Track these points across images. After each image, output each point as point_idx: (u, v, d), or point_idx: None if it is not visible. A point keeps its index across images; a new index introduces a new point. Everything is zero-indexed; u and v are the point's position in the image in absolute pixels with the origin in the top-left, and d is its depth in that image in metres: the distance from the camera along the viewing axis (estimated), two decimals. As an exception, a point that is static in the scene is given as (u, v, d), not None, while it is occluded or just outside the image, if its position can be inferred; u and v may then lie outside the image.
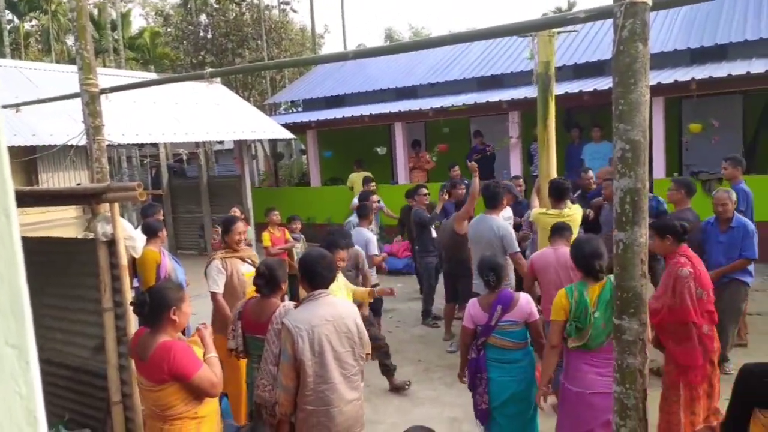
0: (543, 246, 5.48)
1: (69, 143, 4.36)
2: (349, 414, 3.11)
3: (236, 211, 7.42)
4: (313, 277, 3.14)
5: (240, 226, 4.55)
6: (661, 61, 10.18)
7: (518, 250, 5.38)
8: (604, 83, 9.35)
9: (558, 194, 5.28)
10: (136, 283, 4.73)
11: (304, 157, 16.64)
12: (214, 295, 4.42)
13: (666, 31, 11.22)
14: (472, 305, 3.75)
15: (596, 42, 11.78)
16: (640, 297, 2.40)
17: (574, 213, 5.24)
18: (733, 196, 5.19)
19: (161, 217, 6.32)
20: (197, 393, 2.77)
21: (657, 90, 8.31)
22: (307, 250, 3.92)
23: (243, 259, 4.59)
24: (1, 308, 0.45)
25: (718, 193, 5.23)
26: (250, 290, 4.17)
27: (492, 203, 5.52)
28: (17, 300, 0.46)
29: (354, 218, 6.76)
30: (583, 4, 34.25)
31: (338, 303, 3.22)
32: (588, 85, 9.80)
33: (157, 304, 2.78)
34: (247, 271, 4.46)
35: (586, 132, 10.30)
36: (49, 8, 25.23)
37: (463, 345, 3.84)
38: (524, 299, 3.70)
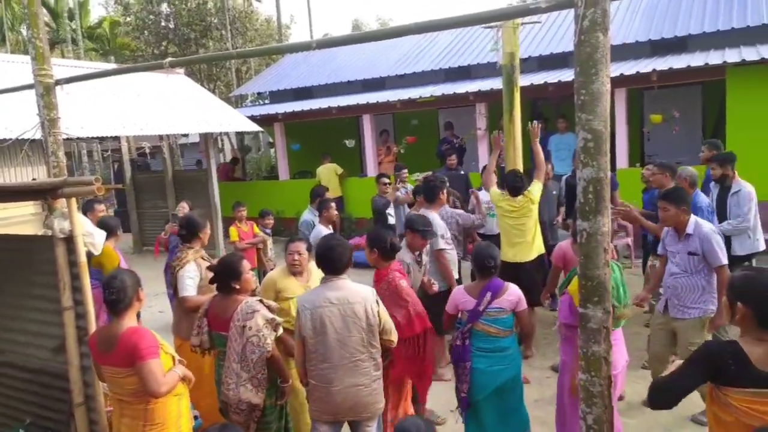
0: (503, 227, 5.64)
1: (23, 137, 4.19)
2: (350, 396, 3.14)
3: (185, 207, 7.31)
4: (325, 263, 3.25)
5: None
6: (623, 52, 10.37)
7: (442, 247, 5.10)
8: (568, 75, 9.47)
9: (514, 192, 5.52)
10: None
11: (272, 150, 16.47)
12: (184, 299, 4.02)
13: (627, 22, 11.42)
14: (458, 292, 3.77)
15: (560, 34, 11.92)
16: (604, 285, 2.44)
17: (528, 200, 5.51)
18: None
19: (102, 213, 6.09)
20: (143, 381, 2.78)
21: (619, 81, 8.46)
22: (325, 236, 3.85)
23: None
24: None
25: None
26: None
27: (429, 198, 5.36)
28: None
29: (310, 215, 6.31)
30: (548, -4, 34.69)
31: (349, 288, 3.21)
32: (552, 76, 9.91)
33: (125, 291, 2.88)
34: None
35: (552, 123, 10.44)
36: (2, -3, 24.25)
37: (445, 326, 3.88)
38: (514, 288, 3.73)
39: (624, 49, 10.43)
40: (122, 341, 2.80)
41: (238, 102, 18.04)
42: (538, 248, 5.68)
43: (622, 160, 9.40)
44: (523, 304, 3.72)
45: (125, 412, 2.90)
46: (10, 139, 5.30)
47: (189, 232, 4.28)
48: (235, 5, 20.91)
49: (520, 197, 5.49)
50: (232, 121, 11.76)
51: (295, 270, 4.01)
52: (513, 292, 3.70)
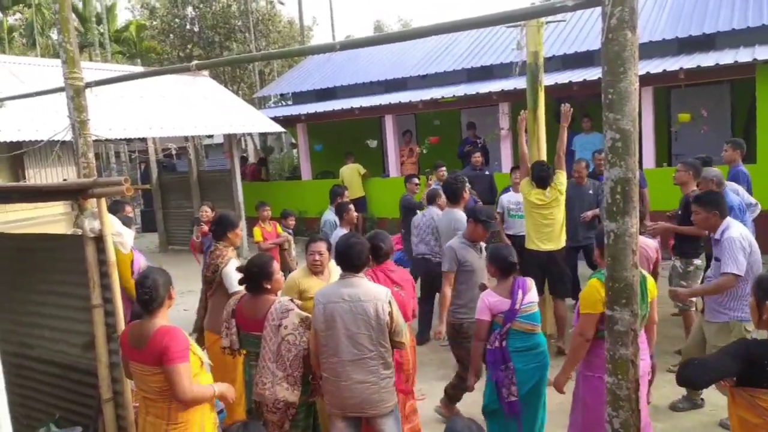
0: (531, 220, 5.63)
1: (54, 138, 4.29)
2: (357, 392, 3.18)
3: (206, 211, 7.39)
4: (343, 261, 3.31)
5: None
6: (650, 50, 10.20)
7: None
8: (593, 73, 9.35)
9: (541, 182, 5.51)
10: None
11: (295, 150, 16.58)
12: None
13: (654, 20, 11.23)
14: (489, 295, 3.74)
15: (585, 32, 11.78)
16: (632, 287, 2.41)
17: (556, 191, 5.54)
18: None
19: (130, 214, 6.23)
20: (171, 384, 2.79)
21: (646, 80, 8.33)
22: (345, 234, 3.93)
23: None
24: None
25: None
26: None
27: (454, 199, 5.55)
28: None
29: (332, 215, 6.36)
30: (572, -5, 34.27)
31: (363, 286, 3.25)
32: (577, 75, 9.80)
33: (156, 289, 2.90)
34: None
35: (576, 123, 10.31)
36: (32, 2, 24.86)
37: (478, 341, 3.77)
38: (531, 281, 3.80)
39: (650, 47, 10.26)
40: (154, 340, 2.82)
41: (261, 103, 18.21)
42: (564, 239, 5.73)
43: (649, 160, 9.25)
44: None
45: (150, 410, 2.94)
46: (42, 141, 5.42)
47: (219, 229, 4.31)
48: (259, 8, 21.10)
49: (548, 189, 5.51)
50: (256, 122, 11.88)
51: (316, 270, 4.03)
52: (533, 285, 3.79)
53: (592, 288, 3.23)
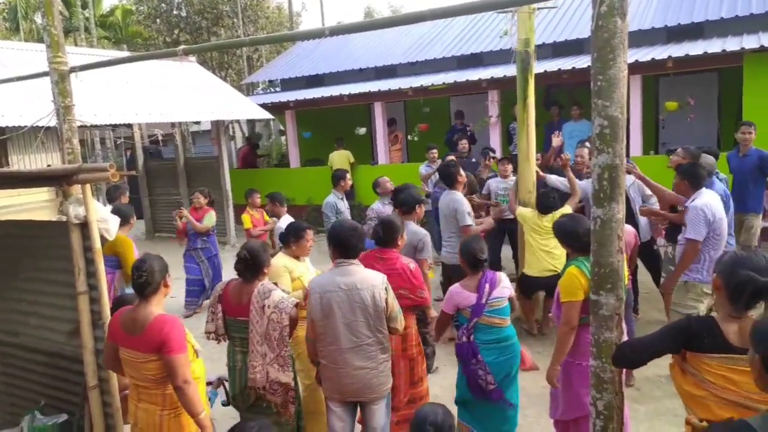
0: (529, 242, 5.70)
1: (38, 124, 4.22)
2: (357, 378, 3.21)
3: (199, 197, 7.36)
4: (339, 246, 3.29)
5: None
6: (639, 39, 10.22)
7: (469, 223, 5.44)
8: (583, 61, 9.36)
9: (544, 209, 5.60)
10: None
11: (283, 137, 16.47)
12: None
13: (643, 8, 11.24)
14: (455, 290, 3.74)
15: (575, 20, 11.77)
16: (617, 273, 2.43)
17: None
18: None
19: (126, 200, 6.23)
20: (170, 372, 2.79)
21: (634, 68, 8.34)
22: (341, 221, 3.98)
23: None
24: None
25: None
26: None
27: (449, 183, 5.69)
28: None
29: (333, 198, 6.55)
30: (562, -18, 34.11)
31: (358, 273, 3.24)
32: (567, 63, 9.80)
33: (152, 275, 2.88)
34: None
35: (566, 110, 10.34)
36: (15, -15, 24.37)
37: (439, 332, 3.92)
38: (503, 275, 3.81)
39: (639, 35, 10.27)
40: (152, 328, 2.80)
41: (249, 90, 18.02)
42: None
43: (636, 148, 9.30)
44: (512, 290, 3.82)
45: (142, 397, 2.93)
46: (26, 126, 5.34)
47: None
48: (247, -8, 20.82)
49: (549, 216, 5.50)
50: (244, 108, 11.78)
51: (308, 254, 4.16)
52: (506, 280, 3.78)
53: (572, 276, 3.24)
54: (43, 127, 4.36)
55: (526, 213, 5.75)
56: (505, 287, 3.73)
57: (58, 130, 4.07)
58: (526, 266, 5.78)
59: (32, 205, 6.28)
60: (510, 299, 3.77)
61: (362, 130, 12.62)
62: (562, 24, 11.85)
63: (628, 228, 4.71)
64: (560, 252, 5.41)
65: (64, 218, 3.44)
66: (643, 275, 6.21)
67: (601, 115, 2.37)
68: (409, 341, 3.83)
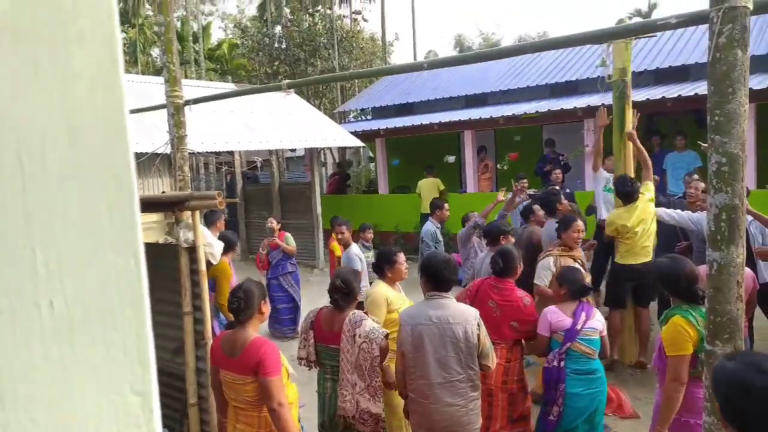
0: (628, 244, 5.45)
1: (157, 152, 4.58)
2: (446, 415, 3.16)
3: (273, 222, 7.54)
4: (433, 278, 3.29)
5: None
6: (753, 65, 9.52)
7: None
8: (688, 89, 8.86)
9: (627, 198, 5.41)
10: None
11: (372, 164, 16.81)
12: (536, 287, 4.74)
13: (756, 34, 10.51)
14: (552, 312, 3.72)
15: (680, 45, 11.21)
16: (736, 322, 2.24)
17: (645, 202, 5.41)
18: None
19: (223, 224, 6.45)
20: (266, 395, 2.86)
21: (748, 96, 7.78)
22: (430, 252, 4.04)
23: (574, 259, 4.74)
24: (128, 354, 0.46)
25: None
26: None
27: (549, 211, 5.84)
28: (143, 346, 0.47)
29: (432, 226, 6.55)
30: (666, 6, 32.70)
31: (451, 307, 3.22)
32: (671, 90, 9.32)
33: (249, 299, 2.99)
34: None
35: (669, 140, 9.80)
36: (136, 22, 26.85)
37: (537, 354, 3.90)
38: (598, 313, 3.80)
39: (754, 61, 9.58)
40: (249, 351, 2.91)
41: (341, 118, 18.62)
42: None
43: (751, 181, 8.61)
44: (605, 330, 3.79)
45: (240, 418, 3.03)
46: (146, 154, 5.79)
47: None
48: (342, 25, 21.69)
49: (637, 203, 5.38)
50: (337, 136, 12.15)
51: (404, 277, 4.15)
52: (599, 315, 3.77)
53: (678, 327, 2.96)
54: (158, 154, 4.72)
55: (614, 219, 5.52)
56: (598, 320, 3.73)
57: (170, 157, 4.39)
58: (619, 257, 5.62)
59: (144, 226, 6.79)
60: (601, 336, 3.74)
61: (451, 158, 12.61)
62: (666, 49, 11.33)
63: (747, 271, 4.35)
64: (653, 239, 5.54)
65: (171, 241, 3.68)
66: (760, 320, 5.69)
67: (718, 152, 2.22)
68: (511, 375, 3.74)
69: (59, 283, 0.42)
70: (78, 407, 0.43)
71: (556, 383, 3.60)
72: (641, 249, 5.48)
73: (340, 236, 6.46)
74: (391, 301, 4.00)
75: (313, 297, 7.54)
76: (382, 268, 4.13)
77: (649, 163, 5.58)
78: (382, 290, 4.01)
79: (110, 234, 0.45)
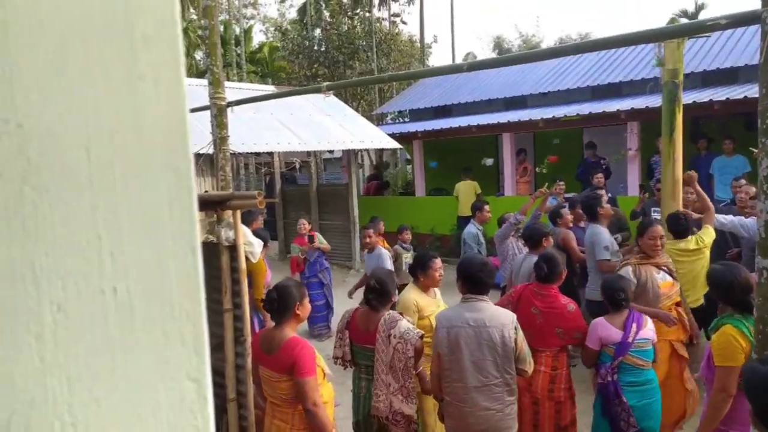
0: (688, 285, 5.02)
1: (199, 152, 4.70)
2: (483, 419, 3.14)
3: (305, 224, 7.63)
4: (470, 281, 3.26)
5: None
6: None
7: (605, 257, 5.16)
8: (737, 92, 8.57)
9: (678, 233, 4.98)
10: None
11: (409, 166, 16.82)
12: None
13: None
14: (601, 325, 3.62)
15: (729, 47, 10.84)
16: (787, 333, 2.16)
17: (702, 246, 4.90)
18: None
19: (260, 225, 6.61)
20: (300, 394, 2.89)
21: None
22: (467, 254, 4.01)
23: (659, 267, 4.37)
24: (185, 343, 0.48)
25: None
26: (668, 303, 4.18)
27: (591, 215, 5.65)
28: (200, 336, 0.49)
29: (474, 228, 6.51)
30: (714, 6, 31.65)
31: (488, 310, 3.20)
32: (719, 93, 9.03)
33: (285, 300, 3.04)
34: (662, 281, 4.27)
35: (716, 144, 9.49)
36: (180, 25, 27.56)
37: (590, 364, 3.76)
38: (650, 320, 3.67)
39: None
40: (285, 350, 2.96)
41: (379, 119, 18.69)
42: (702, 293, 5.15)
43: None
44: (655, 337, 3.67)
45: (276, 414, 3.09)
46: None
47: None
48: (381, 28, 21.78)
49: (689, 240, 4.94)
50: (374, 138, 12.21)
51: (438, 284, 4.08)
52: (651, 323, 3.65)
53: (728, 337, 2.88)
54: (202, 154, 4.84)
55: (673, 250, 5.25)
56: (650, 329, 3.61)
57: (213, 157, 4.50)
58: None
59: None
60: (654, 345, 3.63)
61: (489, 161, 12.51)
62: (713, 51, 10.97)
63: None
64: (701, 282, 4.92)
65: (212, 239, 3.76)
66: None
67: (770, 157, 2.15)
68: (558, 382, 3.68)
69: (123, 272, 0.45)
70: (137, 390, 0.45)
71: (616, 398, 3.49)
72: (696, 284, 5.00)
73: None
74: (422, 307, 3.90)
75: (348, 298, 7.61)
76: (416, 271, 4.08)
77: (712, 207, 5.17)
78: (412, 296, 3.94)
79: (170, 227, 0.47)
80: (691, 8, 27.42)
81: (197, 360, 0.49)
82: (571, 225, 6.24)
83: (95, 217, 0.44)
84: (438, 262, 4.03)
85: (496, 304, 3.46)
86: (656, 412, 3.57)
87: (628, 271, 4.36)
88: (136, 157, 0.45)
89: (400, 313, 3.54)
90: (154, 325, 0.46)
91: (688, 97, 8.32)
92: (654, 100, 9.09)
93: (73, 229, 0.43)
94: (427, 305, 3.93)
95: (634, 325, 3.53)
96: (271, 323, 3.91)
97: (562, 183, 8.30)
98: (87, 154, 0.43)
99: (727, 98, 8.42)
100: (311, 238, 7.58)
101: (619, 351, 3.50)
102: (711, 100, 8.61)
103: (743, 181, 6.08)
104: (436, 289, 4.14)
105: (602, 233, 5.35)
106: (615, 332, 3.54)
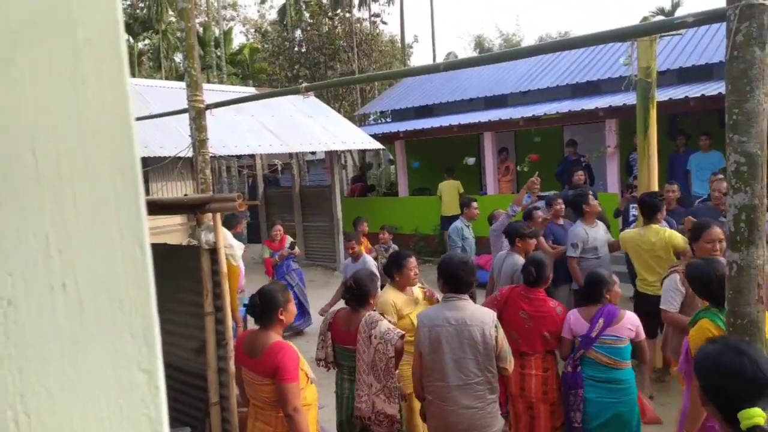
0: (642, 266, 5.10)
1: (178, 155, 4.68)
2: (464, 418, 3.15)
3: (279, 230, 7.63)
4: (450, 280, 3.25)
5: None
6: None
7: (570, 254, 5.42)
8: (712, 88, 8.72)
9: (649, 212, 4.97)
10: None
11: (392, 166, 16.86)
12: (665, 313, 3.95)
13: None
14: (573, 315, 3.65)
15: (703, 44, 11.04)
16: (756, 324, 2.21)
17: (659, 238, 4.80)
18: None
19: (242, 228, 6.57)
20: (280, 399, 2.89)
21: None
22: (448, 253, 4.00)
23: None
24: (134, 334, 0.49)
25: None
26: None
27: (578, 212, 5.75)
28: (149, 328, 0.50)
29: (460, 223, 6.62)
30: (689, 4, 32.14)
31: (468, 309, 3.21)
32: (694, 90, 9.18)
33: (268, 305, 3.01)
34: None
35: (693, 140, 9.65)
36: (159, 28, 27.35)
37: (563, 357, 3.78)
38: (631, 317, 3.58)
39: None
40: (268, 354, 2.93)
41: (361, 120, 18.72)
42: None
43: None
44: (642, 335, 3.57)
45: (259, 416, 3.08)
46: (168, 158, 5.92)
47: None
48: (362, 29, 21.81)
49: (653, 228, 4.89)
50: (356, 139, 12.21)
51: (414, 283, 4.05)
52: (631, 321, 3.54)
53: (704, 330, 2.91)
54: (181, 158, 4.81)
55: (625, 235, 5.23)
56: (627, 328, 3.51)
57: (193, 160, 4.48)
58: (639, 283, 5.14)
59: (166, 228, 6.92)
60: (637, 343, 3.55)
61: (471, 160, 12.58)
62: (688, 48, 11.16)
63: None
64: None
65: (193, 242, 3.75)
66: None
67: (737, 152, 2.21)
68: (550, 384, 3.70)
69: (71, 268, 0.46)
70: (88, 380, 0.46)
71: (574, 389, 3.53)
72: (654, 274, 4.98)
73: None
74: (400, 307, 3.91)
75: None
76: (392, 272, 4.06)
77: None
78: (389, 297, 3.94)
79: (117, 222, 0.48)
80: (668, 6, 27.83)
81: (148, 351, 0.50)
82: (541, 224, 6.14)
83: (42, 215, 0.45)
84: (412, 261, 4.02)
85: (482, 305, 3.48)
86: (619, 415, 3.45)
87: (675, 280, 3.93)
88: (82, 156, 0.46)
89: (381, 314, 3.56)
90: (103, 318, 0.48)
91: (663, 94, 8.47)
92: (631, 98, 9.22)
93: (20, 227, 0.44)
94: (405, 304, 3.95)
95: (601, 321, 3.47)
96: (241, 329, 3.89)
97: (539, 179, 8.26)
98: (33, 154, 0.44)
99: (702, 95, 8.57)
100: (293, 245, 7.58)
101: (582, 344, 3.51)
102: (686, 96, 8.75)
103: (720, 176, 6.19)
104: (415, 288, 4.11)
105: (576, 230, 5.47)
106: (583, 325, 3.54)
